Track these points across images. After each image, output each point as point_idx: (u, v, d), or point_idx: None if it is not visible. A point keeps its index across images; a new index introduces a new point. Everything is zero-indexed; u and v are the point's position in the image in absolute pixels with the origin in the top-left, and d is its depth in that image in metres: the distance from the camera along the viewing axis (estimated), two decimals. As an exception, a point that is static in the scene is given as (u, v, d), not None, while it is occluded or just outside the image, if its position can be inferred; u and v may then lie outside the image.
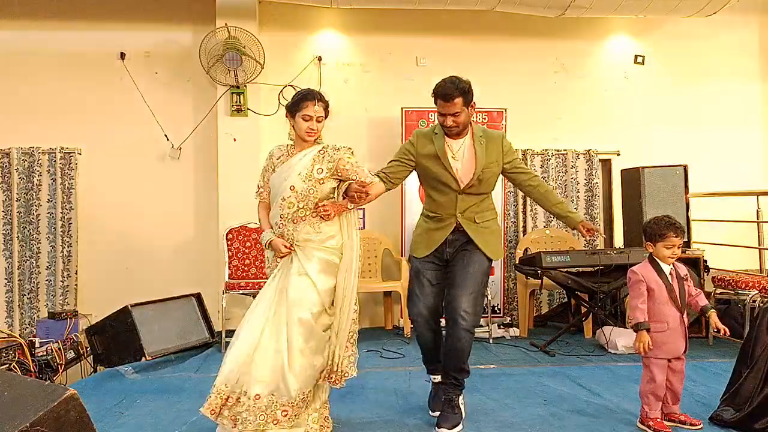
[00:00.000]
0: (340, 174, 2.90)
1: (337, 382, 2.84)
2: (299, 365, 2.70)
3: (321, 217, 2.83)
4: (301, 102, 2.90)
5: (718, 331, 2.88)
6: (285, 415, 2.66)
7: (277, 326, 2.75)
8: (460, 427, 2.96)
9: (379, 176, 3.09)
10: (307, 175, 2.85)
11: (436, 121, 3.13)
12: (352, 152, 2.96)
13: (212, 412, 2.66)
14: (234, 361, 2.71)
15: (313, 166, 2.87)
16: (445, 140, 3.05)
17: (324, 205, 2.83)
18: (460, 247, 3.06)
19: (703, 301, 2.96)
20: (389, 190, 3.17)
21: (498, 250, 3.12)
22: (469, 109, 3.01)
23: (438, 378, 3.17)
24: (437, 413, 3.04)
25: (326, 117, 2.96)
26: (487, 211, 3.11)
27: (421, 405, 3.30)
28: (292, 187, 2.83)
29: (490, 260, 3.08)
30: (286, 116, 2.99)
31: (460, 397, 3.07)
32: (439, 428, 2.92)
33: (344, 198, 2.91)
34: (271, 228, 2.93)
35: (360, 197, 2.82)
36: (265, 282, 2.95)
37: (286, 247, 2.85)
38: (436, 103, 3.01)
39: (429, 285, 3.06)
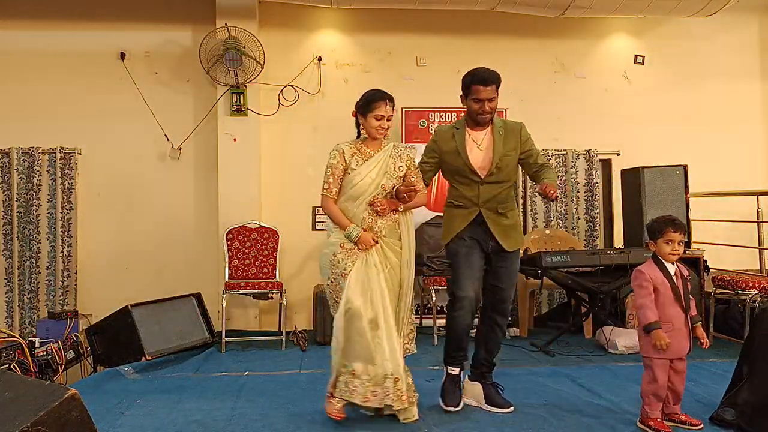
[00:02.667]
0: (407, 174, 3.16)
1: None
2: (398, 346, 3.00)
3: (377, 212, 3.04)
4: (373, 102, 3.08)
5: (702, 342, 2.94)
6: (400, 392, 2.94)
7: (379, 313, 2.97)
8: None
9: None
10: (392, 174, 3.11)
11: (461, 116, 3.32)
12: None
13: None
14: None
15: (394, 164, 3.12)
16: (468, 133, 3.21)
17: (380, 201, 3.04)
18: (498, 247, 3.20)
19: (693, 311, 2.96)
20: None
21: (519, 240, 3.32)
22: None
23: (456, 370, 3.27)
24: (456, 407, 3.21)
25: (393, 115, 3.16)
26: (508, 201, 3.27)
27: (421, 402, 3.29)
28: (383, 186, 3.07)
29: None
30: (354, 115, 3.19)
31: None
32: (501, 407, 3.19)
33: (393, 197, 3.12)
34: (351, 223, 3.07)
35: (410, 197, 3.05)
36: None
37: (374, 240, 3.05)
38: (470, 91, 3.14)
39: (479, 269, 3.20)
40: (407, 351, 3.16)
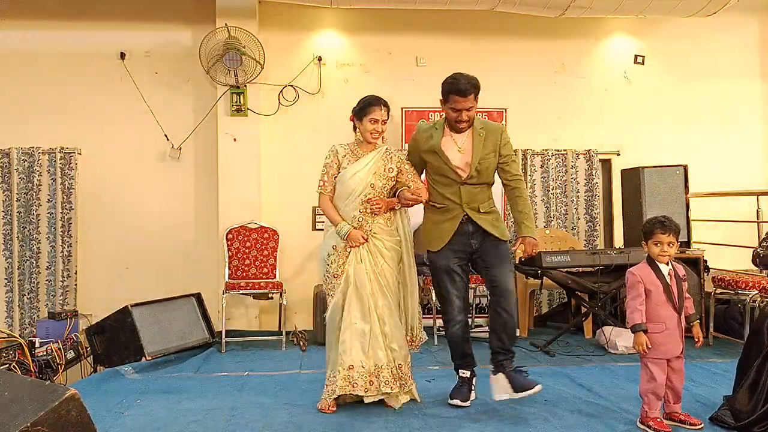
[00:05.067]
0: (400, 176, 3.29)
1: (417, 347, 3.39)
2: (395, 339, 3.17)
3: (372, 211, 3.18)
4: (368, 107, 3.23)
5: (696, 340, 2.95)
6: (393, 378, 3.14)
7: (369, 308, 3.15)
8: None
9: None
10: (382, 174, 3.24)
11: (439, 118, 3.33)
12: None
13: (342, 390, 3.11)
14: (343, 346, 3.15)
15: (384, 165, 3.25)
16: (449, 135, 3.22)
17: (376, 200, 3.18)
18: (483, 236, 3.22)
19: (690, 309, 2.96)
20: None
21: (506, 233, 3.33)
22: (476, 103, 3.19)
23: (467, 372, 3.30)
24: (462, 402, 3.23)
25: (387, 120, 3.30)
26: (488, 200, 3.27)
27: (421, 404, 3.31)
28: (372, 185, 3.21)
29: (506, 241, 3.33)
30: (351, 119, 3.34)
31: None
32: (530, 389, 3.04)
33: (394, 196, 3.28)
34: (342, 221, 3.22)
35: (411, 204, 3.23)
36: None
37: (363, 238, 3.18)
38: (447, 100, 3.13)
39: (461, 280, 3.27)
40: (422, 340, 3.40)
